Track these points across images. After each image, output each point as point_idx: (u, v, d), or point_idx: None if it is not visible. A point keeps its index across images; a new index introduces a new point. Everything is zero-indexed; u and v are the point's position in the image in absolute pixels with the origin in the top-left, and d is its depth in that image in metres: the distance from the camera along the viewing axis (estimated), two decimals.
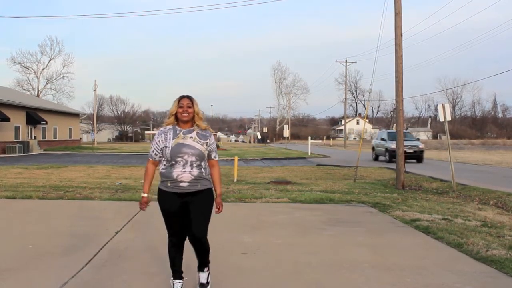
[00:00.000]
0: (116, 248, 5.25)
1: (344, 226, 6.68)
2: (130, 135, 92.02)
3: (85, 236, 5.81)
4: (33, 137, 37.35)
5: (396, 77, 12.14)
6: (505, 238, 5.88)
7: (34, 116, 36.79)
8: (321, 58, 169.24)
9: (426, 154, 25.63)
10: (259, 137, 79.00)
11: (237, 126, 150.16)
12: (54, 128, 42.23)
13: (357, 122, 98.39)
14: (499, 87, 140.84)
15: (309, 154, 31.67)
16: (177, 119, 3.67)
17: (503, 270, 4.54)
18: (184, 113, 3.61)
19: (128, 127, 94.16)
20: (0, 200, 8.89)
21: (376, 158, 25.71)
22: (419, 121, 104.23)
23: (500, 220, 7.30)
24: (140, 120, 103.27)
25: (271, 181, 12.92)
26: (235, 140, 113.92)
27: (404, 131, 26.05)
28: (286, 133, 47.05)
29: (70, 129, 47.03)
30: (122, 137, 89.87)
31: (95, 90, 60.63)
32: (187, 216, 3.64)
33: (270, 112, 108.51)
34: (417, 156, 23.06)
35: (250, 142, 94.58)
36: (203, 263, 3.82)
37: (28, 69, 66.13)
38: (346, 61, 57.24)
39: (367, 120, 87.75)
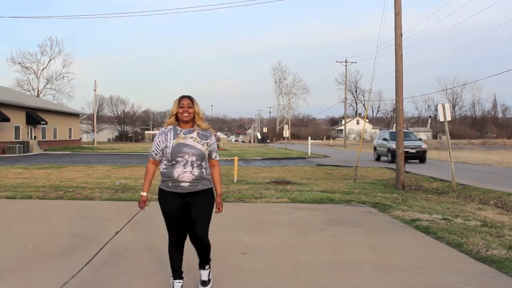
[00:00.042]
0: (116, 248, 5.25)
1: (344, 226, 6.68)
2: (130, 135, 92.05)
3: (85, 236, 5.81)
4: (33, 137, 37.36)
5: (396, 77, 12.14)
6: (505, 238, 5.88)
7: (34, 116, 36.79)
8: (321, 58, 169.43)
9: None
10: (259, 137, 79.01)
11: (237, 126, 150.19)
12: (54, 128, 42.24)
13: (357, 122, 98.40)
14: (499, 87, 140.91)
15: (309, 154, 31.67)
16: (178, 119, 3.67)
17: (503, 270, 4.54)
18: (185, 113, 3.62)
19: (128, 127, 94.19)
20: (0, 200, 8.89)
21: (378, 159, 25.41)
22: (419, 121, 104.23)
23: (500, 220, 7.30)
24: (140, 120, 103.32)
25: (271, 181, 12.92)
26: (235, 140, 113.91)
27: (407, 131, 26.09)
28: (286, 133, 47.07)
29: (70, 129, 47.04)
30: (122, 137, 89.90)
31: (95, 90, 60.66)
32: (188, 216, 3.64)
33: (270, 112, 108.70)
34: (419, 156, 22.79)
35: (250, 142, 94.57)
36: (204, 261, 3.83)
37: (28, 69, 66.24)
38: (346, 61, 57.29)
39: (367, 120, 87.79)
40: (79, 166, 19.21)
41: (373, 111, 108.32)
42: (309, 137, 37.52)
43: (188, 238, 3.74)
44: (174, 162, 3.58)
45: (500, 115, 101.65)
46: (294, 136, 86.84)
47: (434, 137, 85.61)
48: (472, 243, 5.54)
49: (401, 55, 12.10)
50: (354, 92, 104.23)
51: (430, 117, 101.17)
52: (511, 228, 6.65)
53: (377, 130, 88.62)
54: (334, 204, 8.81)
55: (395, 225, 6.82)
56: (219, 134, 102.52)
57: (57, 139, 42.85)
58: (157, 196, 3.71)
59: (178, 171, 3.56)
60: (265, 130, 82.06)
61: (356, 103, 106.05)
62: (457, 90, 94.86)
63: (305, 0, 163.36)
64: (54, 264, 4.63)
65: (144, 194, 3.73)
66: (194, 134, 3.65)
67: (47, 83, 67.39)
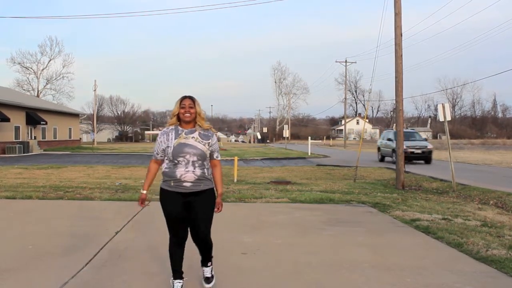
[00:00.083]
0: (116, 248, 5.25)
1: (344, 226, 6.68)
2: (130, 135, 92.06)
3: (85, 236, 5.81)
4: (33, 137, 37.36)
5: (396, 77, 12.14)
6: (505, 238, 5.89)
7: (34, 116, 36.80)
8: (321, 58, 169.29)
9: None
10: (259, 137, 78.98)
11: (237, 126, 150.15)
12: (54, 128, 42.24)
13: (357, 122, 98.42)
14: (499, 87, 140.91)
15: (309, 154, 31.67)
16: (180, 120, 3.69)
17: (503, 270, 4.54)
18: (186, 113, 3.63)
19: (128, 127, 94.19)
20: (0, 200, 8.89)
21: (382, 159, 24.55)
22: (419, 121, 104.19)
23: (500, 220, 7.30)
24: (140, 120, 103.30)
25: (271, 181, 12.93)
26: (235, 140, 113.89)
27: (412, 131, 25.84)
28: (286, 133, 47.06)
29: (70, 129, 47.04)
30: (122, 137, 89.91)
31: (95, 90, 60.70)
32: (189, 216, 3.65)
33: (270, 112, 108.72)
34: (425, 157, 22.20)
35: (250, 142, 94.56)
36: (207, 258, 3.87)
37: (28, 69, 66.25)
38: (346, 61, 57.33)
39: (367, 120, 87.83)
40: (79, 166, 19.21)
41: (373, 111, 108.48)
42: (309, 137, 37.50)
43: (188, 238, 3.75)
44: (175, 162, 3.59)
45: (500, 115, 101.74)
46: (294, 136, 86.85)
47: (434, 137, 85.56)
48: (472, 243, 5.54)
49: (401, 55, 12.11)
50: (354, 92, 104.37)
51: (430, 117, 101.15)
52: (511, 228, 6.65)
53: (377, 130, 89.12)
54: (334, 204, 8.81)
55: (395, 225, 6.82)
56: (219, 134, 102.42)
57: (57, 139, 42.85)
58: (157, 196, 3.72)
59: (180, 171, 3.57)
60: (265, 130, 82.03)
61: (356, 103, 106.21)
62: (457, 90, 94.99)
63: (305, 0, 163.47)
64: (54, 264, 4.64)
65: (144, 192, 3.76)
66: (196, 134, 3.66)
67: (47, 83, 67.49)
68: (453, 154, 13.16)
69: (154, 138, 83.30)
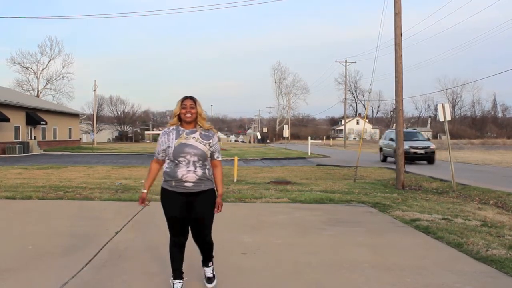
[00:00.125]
0: (116, 248, 5.25)
1: (344, 226, 6.68)
2: (130, 135, 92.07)
3: (85, 236, 5.81)
4: (33, 138, 37.36)
5: (396, 77, 12.14)
6: (505, 238, 5.89)
7: (34, 117, 36.80)
8: (321, 58, 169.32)
9: None
10: (259, 137, 78.99)
11: (237, 126, 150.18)
12: (54, 128, 42.24)
13: (357, 122, 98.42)
14: (498, 87, 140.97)
15: (309, 154, 31.66)
16: (181, 120, 3.70)
17: (503, 270, 4.54)
18: (187, 114, 3.64)
19: (128, 127, 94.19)
20: (0, 200, 8.89)
21: (384, 159, 24.00)
22: (419, 121, 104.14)
23: (500, 220, 7.30)
24: (140, 120, 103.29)
25: (271, 181, 12.92)
26: (235, 140, 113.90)
27: (414, 131, 25.74)
28: (286, 133, 47.05)
29: (70, 129, 47.04)
30: (122, 138, 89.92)
31: (95, 90, 60.73)
32: (190, 216, 3.66)
33: (270, 112, 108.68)
34: (428, 157, 21.91)
35: (250, 142, 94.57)
36: (208, 258, 3.88)
37: (28, 69, 66.28)
38: (346, 61, 57.30)
39: (367, 120, 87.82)
40: (79, 166, 19.21)
41: (373, 111, 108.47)
42: (309, 137, 37.50)
43: (188, 238, 3.75)
44: (176, 162, 3.60)
45: (500, 115, 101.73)
46: (294, 136, 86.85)
47: (434, 137, 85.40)
48: (472, 243, 5.54)
49: (401, 55, 12.11)
50: (354, 92, 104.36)
51: (430, 117, 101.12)
52: (511, 228, 6.65)
53: (377, 130, 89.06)
54: (334, 204, 8.81)
55: (395, 225, 6.82)
56: (219, 134, 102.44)
57: (57, 139, 42.86)
58: (157, 196, 3.72)
59: (181, 171, 3.58)
60: (265, 130, 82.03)
61: (356, 103, 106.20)
62: (457, 90, 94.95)
63: (305, 0, 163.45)
64: (54, 264, 4.64)
65: (145, 191, 3.77)
66: (197, 135, 3.67)
67: (47, 83, 67.51)
68: (453, 154, 13.17)
69: (154, 138, 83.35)
